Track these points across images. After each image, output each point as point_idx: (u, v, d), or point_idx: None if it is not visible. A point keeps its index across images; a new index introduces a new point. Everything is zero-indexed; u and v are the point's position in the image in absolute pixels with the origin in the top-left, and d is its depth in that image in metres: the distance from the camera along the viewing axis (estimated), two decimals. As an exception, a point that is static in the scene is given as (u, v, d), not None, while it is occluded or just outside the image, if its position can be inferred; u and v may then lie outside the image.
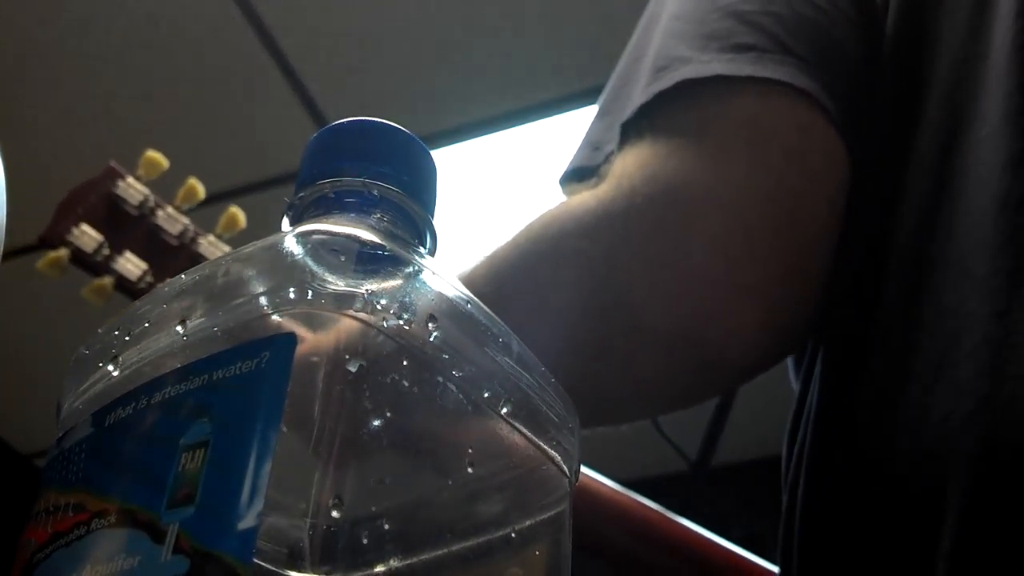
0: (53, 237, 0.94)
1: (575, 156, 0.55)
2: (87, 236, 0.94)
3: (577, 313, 0.49)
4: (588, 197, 0.50)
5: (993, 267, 0.42)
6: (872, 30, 0.52)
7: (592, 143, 0.54)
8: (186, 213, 0.99)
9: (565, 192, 0.55)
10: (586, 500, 0.75)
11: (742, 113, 0.49)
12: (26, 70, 1.98)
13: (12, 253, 2.17)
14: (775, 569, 0.78)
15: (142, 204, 0.96)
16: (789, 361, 0.57)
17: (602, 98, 0.56)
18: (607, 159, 0.51)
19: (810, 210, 0.49)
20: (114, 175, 0.97)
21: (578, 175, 0.53)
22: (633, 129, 0.50)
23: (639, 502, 0.79)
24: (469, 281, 0.51)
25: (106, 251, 0.95)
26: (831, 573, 0.45)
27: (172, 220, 0.97)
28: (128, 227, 0.96)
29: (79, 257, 0.94)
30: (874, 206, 0.49)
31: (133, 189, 0.96)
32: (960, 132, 0.46)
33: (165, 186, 1.00)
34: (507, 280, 0.50)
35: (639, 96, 0.50)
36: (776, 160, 0.48)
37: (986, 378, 0.40)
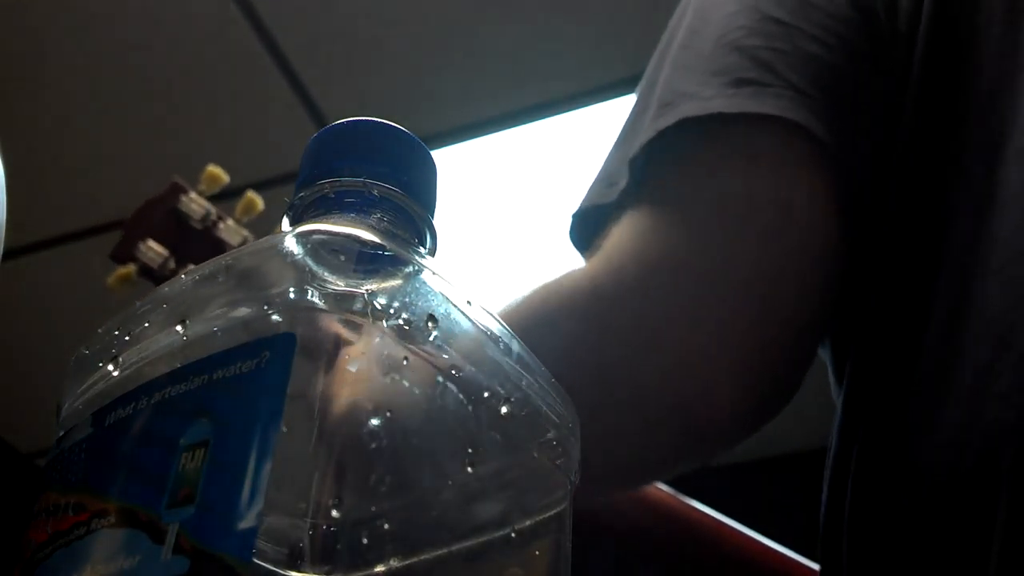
0: (122, 254, 0.98)
1: (591, 189, 0.56)
2: (153, 251, 0.98)
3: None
4: (580, 277, 0.52)
5: None
6: (893, 57, 0.52)
7: (607, 177, 0.55)
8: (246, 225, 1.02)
9: (574, 229, 0.56)
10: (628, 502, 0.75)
11: (725, 185, 0.51)
12: (27, 70, 1.98)
13: (12, 253, 2.17)
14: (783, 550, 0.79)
15: (205, 218, 1.00)
16: (830, 369, 0.57)
17: (623, 125, 0.57)
18: (618, 205, 0.53)
19: (789, 288, 0.50)
20: (178, 190, 1.00)
21: (591, 216, 0.55)
22: (634, 185, 0.52)
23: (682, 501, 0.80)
24: None
25: (172, 265, 0.98)
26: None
27: (233, 232, 1.01)
28: (191, 240, 0.99)
29: (146, 272, 0.98)
30: (919, 221, 0.50)
31: (196, 204, 1.00)
32: (1002, 144, 0.47)
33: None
34: None
35: (645, 132, 0.52)
36: (753, 241, 0.50)
37: None
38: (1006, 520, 0.39)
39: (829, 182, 0.50)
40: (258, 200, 1.00)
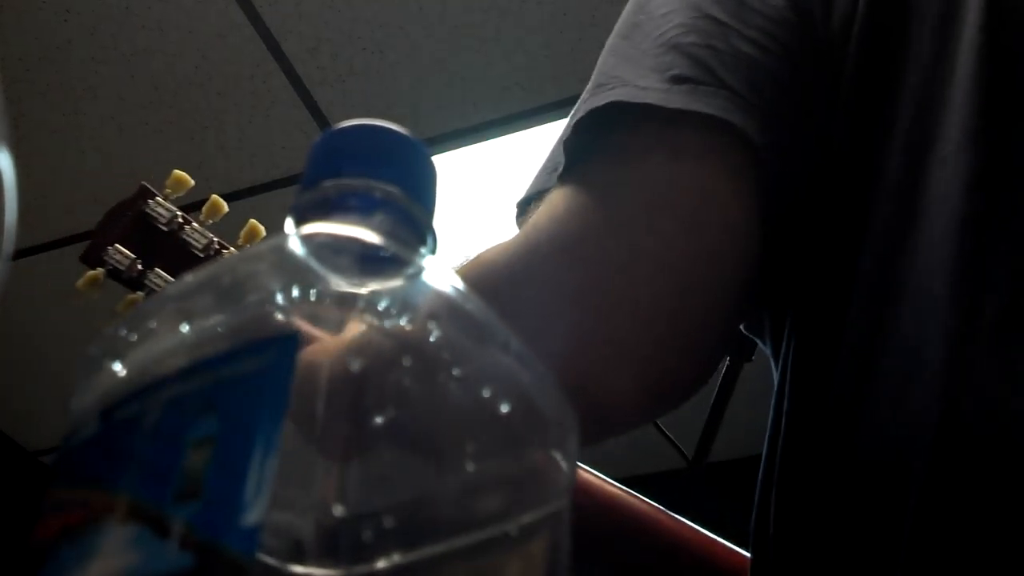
0: (91, 258, 1.01)
1: (537, 177, 0.56)
2: (121, 255, 1.01)
3: None
4: (497, 255, 0.51)
5: (952, 290, 0.43)
6: (827, 58, 0.53)
7: (551, 163, 0.55)
8: (210, 228, 1.05)
9: (519, 217, 0.56)
10: (579, 496, 0.74)
11: (647, 173, 0.50)
12: (34, 75, 1.99)
13: (19, 253, 2.18)
14: None
15: (171, 221, 1.03)
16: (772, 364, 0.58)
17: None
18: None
19: (705, 275, 0.50)
20: (145, 194, 1.03)
21: (534, 202, 0.55)
22: (563, 167, 0.52)
23: (632, 496, 0.79)
24: None
25: (139, 267, 1.01)
26: (806, 564, 0.46)
27: (198, 235, 1.04)
28: (158, 243, 1.03)
29: (114, 274, 1.00)
30: (843, 227, 0.50)
31: (162, 207, 1.03)
32: (925, 152, 0.47)
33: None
34: None
35: (577, 112, 0.52)
36: (671, 225, 0.49)
37: (939, 408, 0.41)
38: (913, 532, 0.40)
39: (755, 179, 0.50)
40: (222, 203, 1.03)
